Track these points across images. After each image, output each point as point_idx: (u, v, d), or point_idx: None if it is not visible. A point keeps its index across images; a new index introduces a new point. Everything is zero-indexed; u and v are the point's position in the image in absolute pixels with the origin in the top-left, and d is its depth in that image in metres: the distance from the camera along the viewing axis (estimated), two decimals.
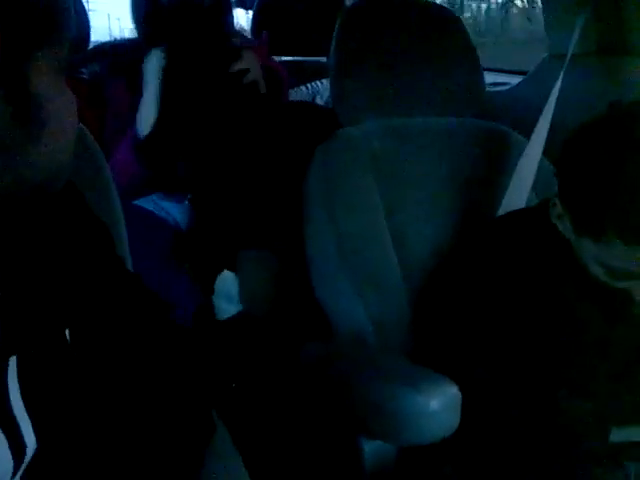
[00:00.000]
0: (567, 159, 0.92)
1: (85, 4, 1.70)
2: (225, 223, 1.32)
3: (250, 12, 1.89)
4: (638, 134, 0.84)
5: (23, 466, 0.55)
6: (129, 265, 0.86)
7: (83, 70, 1.53)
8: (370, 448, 1.01)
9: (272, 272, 1.28)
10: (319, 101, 1.70)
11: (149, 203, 1.32)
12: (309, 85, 1.65)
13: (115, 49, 1.54)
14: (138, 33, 1.46)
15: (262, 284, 1.28)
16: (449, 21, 1.30)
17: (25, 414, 0.54)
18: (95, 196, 0.78)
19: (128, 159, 1.29)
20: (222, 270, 1.26)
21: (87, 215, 0.64)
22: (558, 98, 1.26)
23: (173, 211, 1.32)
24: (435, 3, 1.69)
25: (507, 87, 1.85)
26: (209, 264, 1.28)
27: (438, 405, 0.89)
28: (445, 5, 2.63)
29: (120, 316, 0.63)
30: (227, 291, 1.26)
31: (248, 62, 1.35)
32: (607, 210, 0.84)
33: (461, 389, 0.91)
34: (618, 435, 0.95)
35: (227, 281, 1.26)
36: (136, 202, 1.31)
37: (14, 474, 0.54)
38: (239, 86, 1.34)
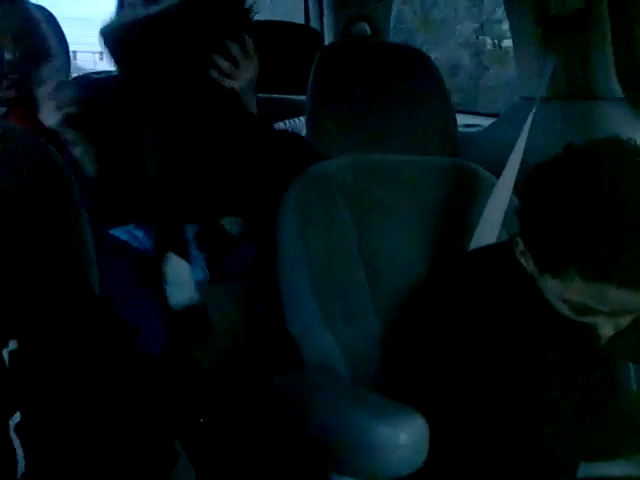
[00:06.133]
0: (526, 198, 0.94)
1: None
2: None
3: None
4: (593, 173, 0.86)
5: None
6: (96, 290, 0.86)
7: None
8: None
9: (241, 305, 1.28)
10: None
11: (124, 233, 1.32)
12: (287, 122, 1.68)
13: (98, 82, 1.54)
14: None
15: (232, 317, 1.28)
16: (422, 63, 1.34)
17: None
18: (64, 222, 0.78)
19: None
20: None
21: (52, 237, 0.64)
22: (528, 139, 1.30)
23: (146, 241, 1.32)
24: (408, 45, 1.74)
25: (479, 129, 1.89)
26: None
27: (407, 438, 0.89)
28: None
29: (80, 335, 0.62)
30: (178, 277, 1.26)
31: None
32: (566, 247, 0.85)
33: (431, 422, 0.91)
34: (587, 470, 0.96)
35: (177, 265, 1.27)
36: (112, 231, 1.31)
37: None
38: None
